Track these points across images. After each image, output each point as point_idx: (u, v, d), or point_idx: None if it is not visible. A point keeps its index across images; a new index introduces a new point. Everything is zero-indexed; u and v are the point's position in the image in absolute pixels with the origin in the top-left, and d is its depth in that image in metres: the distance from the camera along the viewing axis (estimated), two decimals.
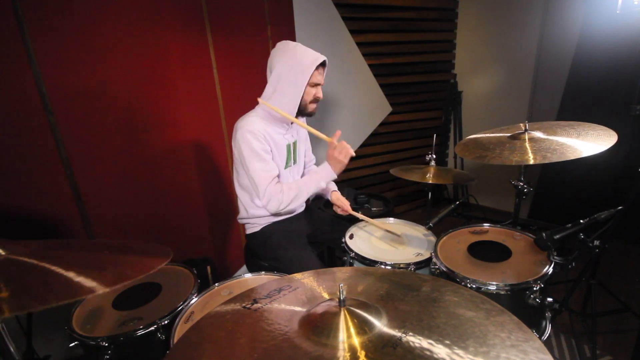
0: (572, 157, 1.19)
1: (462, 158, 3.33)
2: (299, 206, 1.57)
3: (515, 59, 2.96)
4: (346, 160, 1.44)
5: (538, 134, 1.41)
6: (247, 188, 1.55)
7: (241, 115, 1.50)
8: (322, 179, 1.49)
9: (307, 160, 1.82)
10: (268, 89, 1.47)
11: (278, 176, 1.48)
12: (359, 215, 1.64)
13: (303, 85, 1.42)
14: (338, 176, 1.52)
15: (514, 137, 1.43)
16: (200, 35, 1.90)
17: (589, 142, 1.26)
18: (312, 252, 1.54)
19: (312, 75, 1.41)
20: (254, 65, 2.12)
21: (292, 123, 1.54)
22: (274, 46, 1.47)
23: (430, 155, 1.90)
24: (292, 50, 1.42)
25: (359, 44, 2.77)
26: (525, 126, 1.43)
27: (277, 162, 1.50)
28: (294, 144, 1.60)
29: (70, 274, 0.59)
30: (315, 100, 1.50)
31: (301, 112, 1.51)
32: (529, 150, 1.30)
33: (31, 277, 0.59)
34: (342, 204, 1.68)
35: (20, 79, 1.45)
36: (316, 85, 1.47)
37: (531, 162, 1.25)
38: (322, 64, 1.46)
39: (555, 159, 1.22)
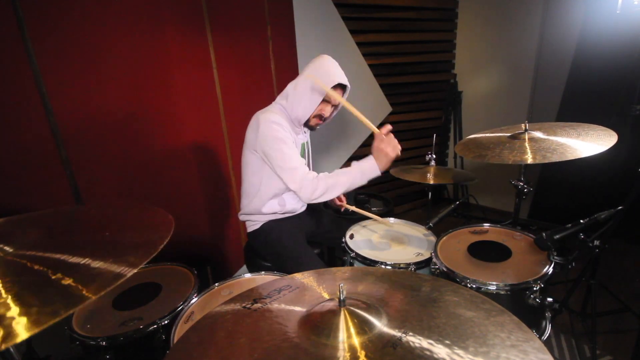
0: (572, 157, 1.19)
1: (462, 159, 3.33)
2: (332, 198, 1.46)
3: (515, 59, 2.96)
4: (393, 155, 1.31)
5: (538, 134, 1.41)
6: (257, 175, 1.52)
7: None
8: (364, 173, 1.35)
9: None
10: (289, 87, 1.48)
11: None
12: (354, 209, 1.68)
13: (318, 95, 1.42)
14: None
15: (514, 137, 1.43)
16: (200, 35, 1.90)
17: (589, 142, 1.26)
18: (311, 251, 1.54)
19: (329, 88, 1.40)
20: (254, 65, 2.11)
21: (305, 127, 1.55)
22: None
23: (430, 155, 1.90)
24: (320, 61, 1.44)
25: (359, 44, 2.77)
26: (526, 126, 1.43)
27: None
28: (307, 144, 1.62)
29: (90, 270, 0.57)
30: (320, 116, 1.50)
31: (305, 124, 1.52)
32: (529, 150, 1.30)
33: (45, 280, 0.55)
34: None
35: (20, 79, 1.45)
36: (329, 103, 1.47)
37: (530, 161, 1.25)
38: (342, 87, 1.46)
39: (555, 159, 1.22)
